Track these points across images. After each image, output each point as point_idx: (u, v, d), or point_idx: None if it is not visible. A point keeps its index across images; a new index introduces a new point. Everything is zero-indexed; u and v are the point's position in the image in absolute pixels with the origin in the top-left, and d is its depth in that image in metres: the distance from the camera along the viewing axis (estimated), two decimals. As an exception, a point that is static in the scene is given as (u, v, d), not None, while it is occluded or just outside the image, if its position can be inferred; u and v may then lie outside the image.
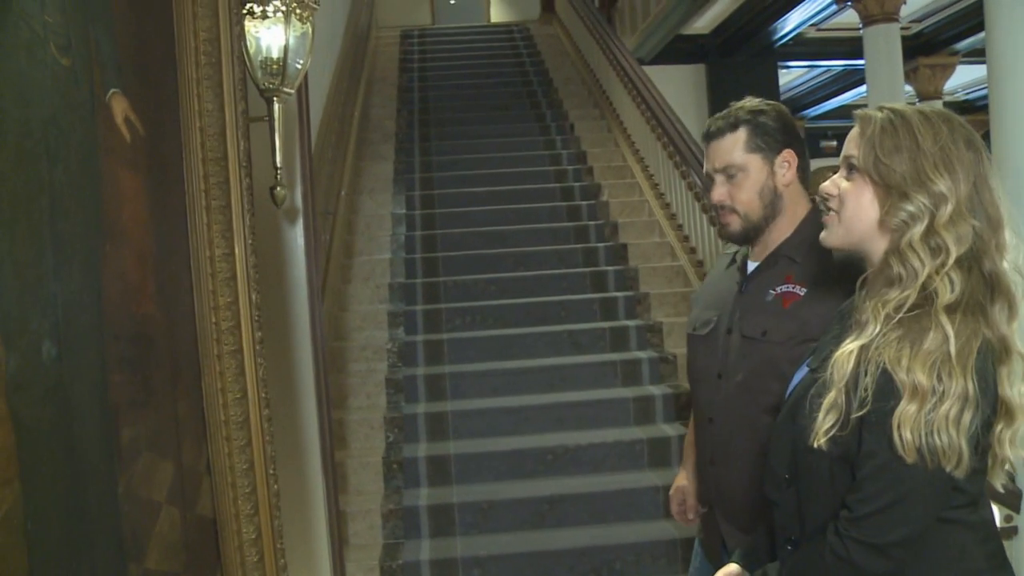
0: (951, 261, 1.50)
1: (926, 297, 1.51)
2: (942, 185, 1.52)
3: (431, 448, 4.68)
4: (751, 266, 2.25)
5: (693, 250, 6.05)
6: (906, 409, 1.44)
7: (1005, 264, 1.55)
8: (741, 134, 2.17)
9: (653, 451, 4.59)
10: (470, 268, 6.14)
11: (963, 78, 12.25)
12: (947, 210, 1.51)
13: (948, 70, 11.42)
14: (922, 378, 1.44)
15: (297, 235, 3.13)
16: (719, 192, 2.20)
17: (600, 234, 6.58)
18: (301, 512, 3.17)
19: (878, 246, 1.61)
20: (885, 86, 8.37)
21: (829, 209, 1.68)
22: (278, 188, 2.42)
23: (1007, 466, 1.60)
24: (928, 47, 11.06)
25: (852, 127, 1.69)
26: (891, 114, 1.60)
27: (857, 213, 1.62)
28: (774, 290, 2.15)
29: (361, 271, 6.14)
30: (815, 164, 4.02)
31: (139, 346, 1.54)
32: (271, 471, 1.91)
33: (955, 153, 1.54)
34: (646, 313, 5.71)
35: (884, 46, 8.42)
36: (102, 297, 1.40)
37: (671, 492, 2.58)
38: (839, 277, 2.02)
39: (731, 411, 2.18)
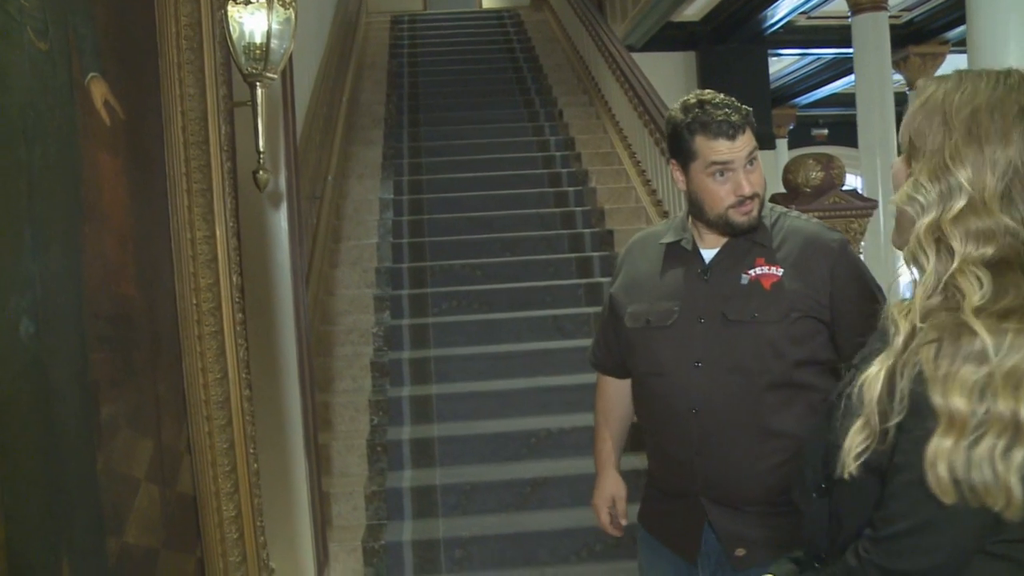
0: (962, 262, 1.25)
1: (951, 298, 1.26)
2: (960, 175, 1.26)
3: (415, 431, 4.72)
4: (707, 254, 2.26)
5: (678, 237, 6.06)
6: (941, 443, 1.19)
7: None
8: (749, 126, 2.19)
9: (635, 435, 4.61)
10: (457, 253, 6.16)
11: (954, 67, 12.26)
12: (958, 204, 1.26)
13: (939, 59, 11.41)
14: (960, 403, 1.18)
15: (281, 219, 3.16)
16: (752, 181, 2.18)
17: (587, 220, 6.60)
18: (284, 492, 3.21)
19: None
20: (874, 75, 8.38)
21: None
22: (261, 172, 2.44)
23: None
24: (919, 36, 11.05)
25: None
26: (937, 84, 1.36)
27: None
28: (748, 273, 2.18)
29: (348, 255, 6.16)
30: (802, 151, 4.06)
31: (119, 326, 1.57)
32: (251, 450, 1.94)
33: (991, 134, 1.27)
34: (631, 299, 5.73)
35: (872, 34, 8.43)
36: (82, 277, 1.43)
37: (597, 501, 2.51)
38: (810, 252, 2.15)
39: (723, 397, 2.16)
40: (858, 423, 1.30)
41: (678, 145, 2.23)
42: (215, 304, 1.82)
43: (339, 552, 4.00)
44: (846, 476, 1.31)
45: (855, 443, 1.30)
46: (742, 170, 2.16)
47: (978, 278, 1.23)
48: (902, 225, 1.37)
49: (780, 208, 2.34)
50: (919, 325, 1.26)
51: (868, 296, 2.14)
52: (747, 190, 2.16)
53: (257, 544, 1.96)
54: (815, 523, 1.47)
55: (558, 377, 5.07)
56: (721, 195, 2.18)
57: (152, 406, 1.66)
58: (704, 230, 2.26)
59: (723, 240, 2.24)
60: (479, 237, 6.35)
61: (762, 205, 2.22)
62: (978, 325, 1.20)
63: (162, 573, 1.64)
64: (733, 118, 2.15)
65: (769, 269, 2.16)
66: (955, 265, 1.24)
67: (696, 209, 2.25)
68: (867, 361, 1.35)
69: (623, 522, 2.50)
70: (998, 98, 1.29)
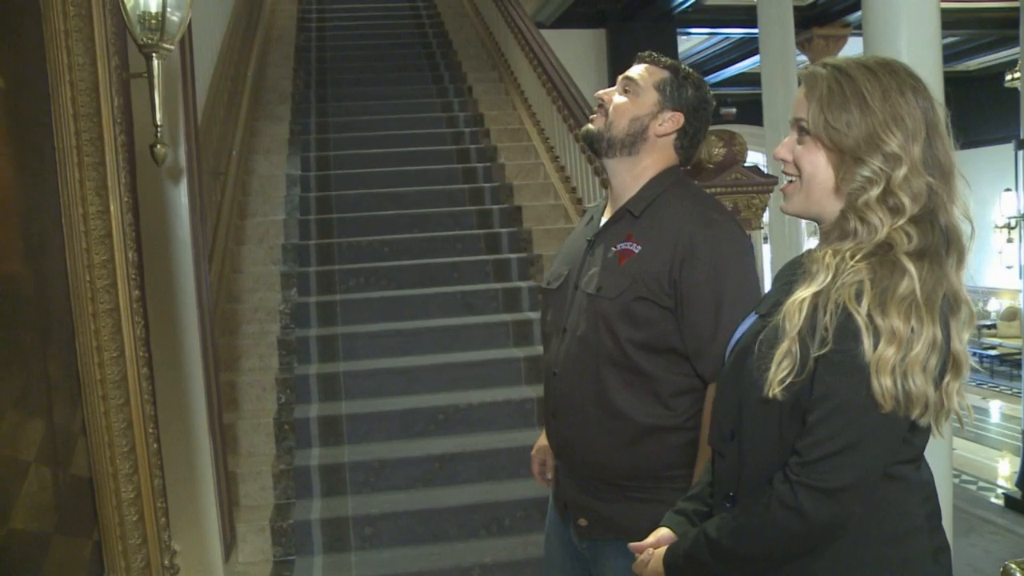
0: (906, 218, 1.50)
1: (882, 246, 1.50)
2: (894, 144, 1.50)
3: (323, 408, 4.68)
4: (604, 221, 2.32)
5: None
6: (884, 353, 1.42)
7: (956, 212, 1.55)
8: (662, 73, 2.29)
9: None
10: (364, 230, 6.11)
11: (855, 49, 12.53)
12: (902, 171, 1.50)
13: (841, 41, 11.59)
14: (899, 323, 1.42)
15: (181, 194, 3.09)
16: (609, 92, 2.32)
17: (495, 196, 6.61)
18: (188, 473, 3.16)
19: (833, 207, 1.58)
20: (778, 55, 8.51)
21: (787, 176, 1.64)
22: (159, 146, 2.39)
23: (952, 417, 1.58)
24: (822, 18, 11.20)
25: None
26: (836, 72, 1.55)
27: (814, 178, 1.58)
28: (615, 247, 2.22)
29: (255, 232, 6.06)
30: (711, 129, 4.10)
31: (4, 304, 1.51)
32: (151, 430, 1.90)
33: (904, 107, 1.52)
34: (539, 275, 5.74)
35: (777, 15, 8.55)
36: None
37: (533, 452, 2.59)
38: (672, 235, 2.14)
39: (572, 364, 2.23)
40: (782, 348, 1.49)
41: None
42: (110, 281, 1.78)
43: (247, 532, 3.96)
44: (770, 396, 1.49)
45: (780, 368, 1.49)
46: (618, 85, 2.33)
47: (907, 233, 1.49)
48: (801, 194, 1.62)
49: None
50: (851, 264, 1.48)
51: (714, 293, 2.11)
52: (600, 93, 2.34)
53: (158, 526, 1.93)
54: (728, 464, 1.64)
55: (466, 353, 5.09)
56: None
57: (42, 386, 1.61)
58: (611, 197, 2.35)
59: (616, 209, 2.30)
60: (387, 213, 6.30)
61: (609, 129, 2.28)
62: (907, 263, 1.46)
63: (55, 558, 1.60)
64: (649, 56, 2.34)
65: (630, 245, 2.19)
66: (901, 222, 1.49)
67: None
68: (777, 307, 1.56)
69: (549, 476, 2.54)
70: (892, 76, 1.54)
